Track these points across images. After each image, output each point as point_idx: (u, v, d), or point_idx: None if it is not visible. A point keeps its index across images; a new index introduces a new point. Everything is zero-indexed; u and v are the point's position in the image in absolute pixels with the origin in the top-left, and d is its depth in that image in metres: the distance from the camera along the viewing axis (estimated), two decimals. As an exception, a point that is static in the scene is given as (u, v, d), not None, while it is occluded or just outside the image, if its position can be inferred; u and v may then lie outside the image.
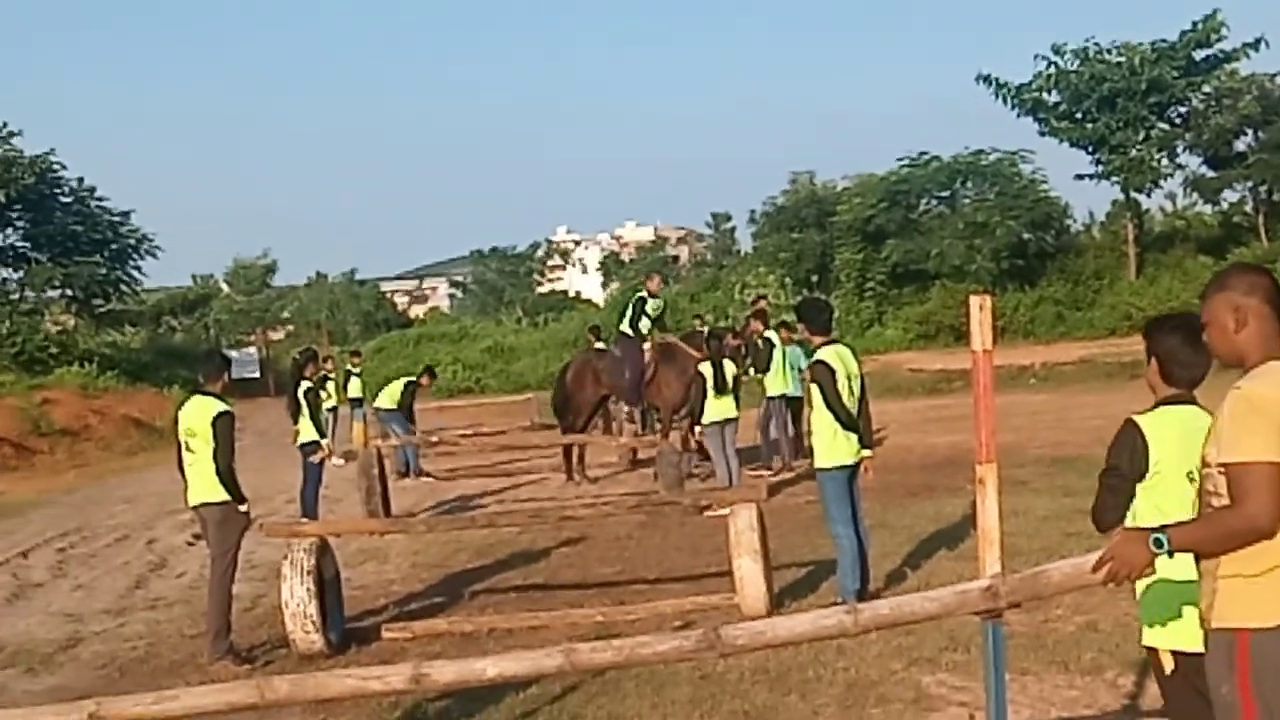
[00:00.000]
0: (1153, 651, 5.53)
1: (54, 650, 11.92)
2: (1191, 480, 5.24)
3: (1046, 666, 8.73)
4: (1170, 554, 4.30)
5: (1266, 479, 4.12)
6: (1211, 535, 4.32)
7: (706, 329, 22.65)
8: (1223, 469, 4.25)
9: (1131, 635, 9.17)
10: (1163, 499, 5.40)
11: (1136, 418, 5.64)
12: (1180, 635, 5.26)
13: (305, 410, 18.69)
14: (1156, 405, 5.68)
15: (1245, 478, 4.15)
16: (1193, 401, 5.61)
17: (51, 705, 5.91)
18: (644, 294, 21.83)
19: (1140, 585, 5.36)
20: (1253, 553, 4.24)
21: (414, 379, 24.98)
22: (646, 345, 21.44)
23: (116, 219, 57.44)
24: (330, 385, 25.05)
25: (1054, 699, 8.14)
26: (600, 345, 24.98)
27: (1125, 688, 8.24)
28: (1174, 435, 5.47)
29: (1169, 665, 5.40)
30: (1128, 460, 5.57)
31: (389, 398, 24.05)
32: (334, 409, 23.55)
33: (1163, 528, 4.33)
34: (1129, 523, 5.44)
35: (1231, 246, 47.11)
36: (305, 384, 19.14)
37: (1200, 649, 4.82)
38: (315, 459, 18.30)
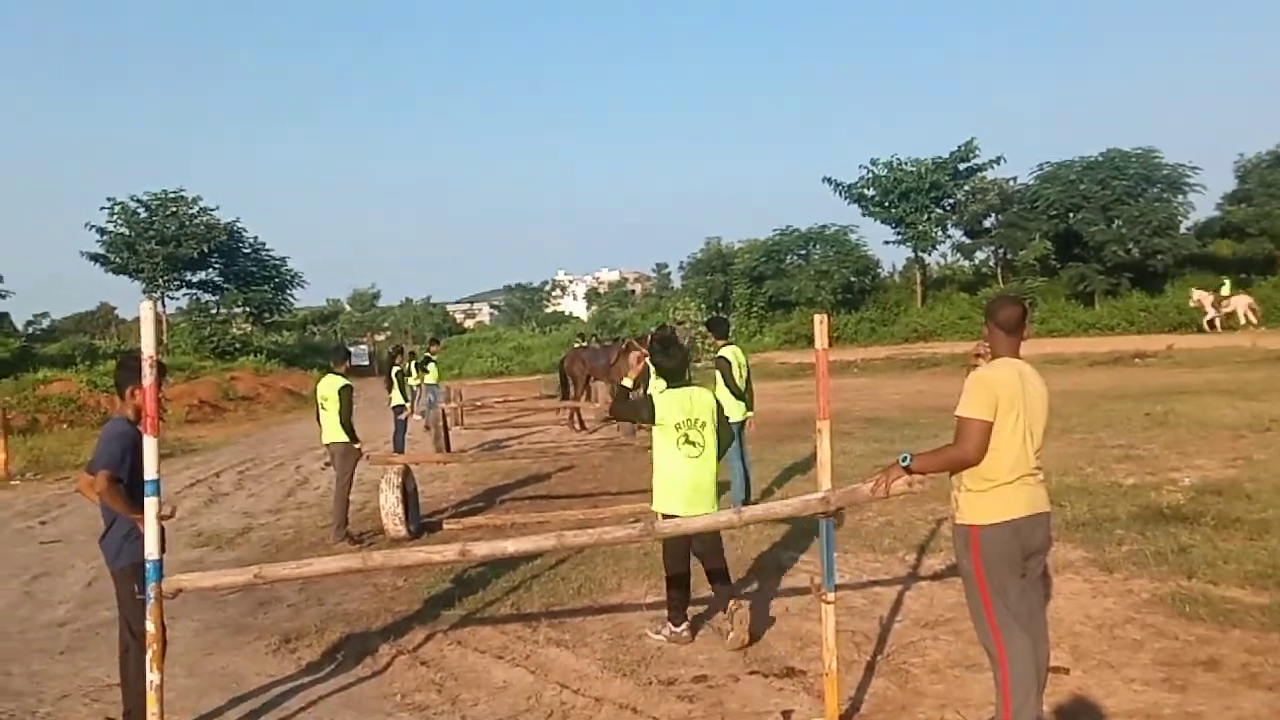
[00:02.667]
0: (653, 513, 6.59)
1: (234, 535, 11.83)
2: (678, 428, 6.54)
3: (860, 548, 8.76)
4: (910, 471, 4.56)
5: (976, 429, 4.39)
6: (939, 460, 4.55)
7: (650, 333, 22.71)
8: (956, 419, 4.47)
9: (914, 529, 9.27)
10: (662, 437, 6.58)
11: (655, 394, 6.81)
12: (665, 505, 6.55)
13: (396, 385, 18.75)
14: (663, 390, 6.79)
15: (964, 427, 4.43)
16: (690, 384, 6.86)
17: (231, 569, 5.88)
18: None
19: (657, 481, 6.67)
20: (978, 476, 4.44)
21: (429, 356, 24.64)
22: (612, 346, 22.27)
23: (278, 262, 57.12)
24: (415, 369, 24.83)
25: (865, 568, 8.16)
26: (584, 344, 25.54)
27: (909, 561, 8.27)
28: (672, 403, 6.58)
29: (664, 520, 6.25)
30: (648, 412, 6.59)
31: (432, 376, 23.94)
32: (418, 385, 23.35)
33: (909, 455, 4.58)
34: (655, 446, 6.69)
35: (980, 287, 47.38)
36: (396, 368, 19.22)
37: (676, 512, 6.38)
38: (402, 416, 18.37)
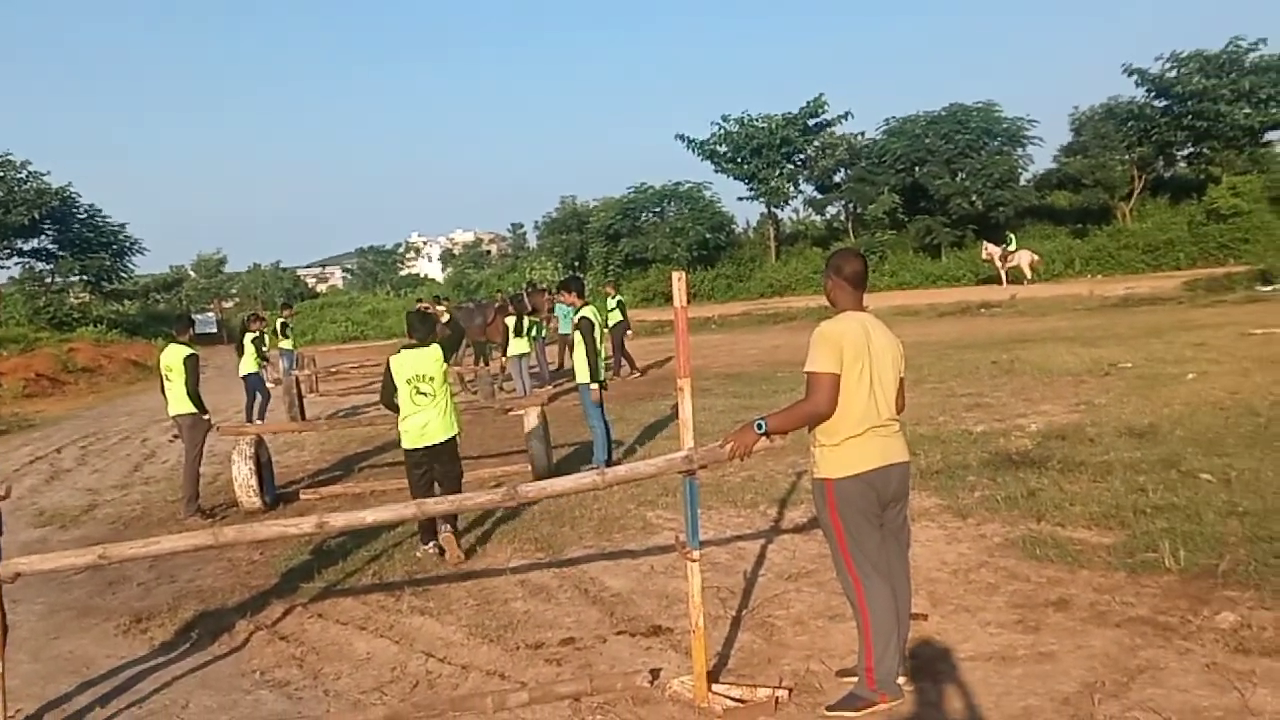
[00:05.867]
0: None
1: (79, 513, 11.37)
2: (409, 383, 7.91)
3: (723, 504, 8.84)
4: (768, 435, 4.52)
5: (825, 382, 4.44)
6: (792, 417, 4.57)
7: (513, 294, 22.51)
8: (806, 374, 4.50)
9: (775, 484, 9.39)
10: (400, 391, 7.99)
11: (391, 356, 8.09)
12: (407, 443, 8.05)
13: (249, 352, 18.17)
14: (399, 352, 8.05)
15: (813, 381, 4.48)
16: (424, 345, 8.05)
17: (75, 549, 5.61)
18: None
19: (400, 425, 8.04)
20: (829, 430, 4.51)
21: (286, 321, 24.03)
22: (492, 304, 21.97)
23: (116, 228, 54.55)
24: (275, 334, 24.18)
25: (728, 524, 8.24)
26: (440, 308, 24.99)
27: (771, 516, 8.37)
28: (404, 363, 7.98)
29: (406, 456, 8.13)
30: (387, 380, 8.11)
31: (288, 342, 23.32)
32: (268, 351, 22.68)
33: (763, 417, 4.55)
34: (398, 396, 8.01)
35: (833, 242, 48.05)
36: (250, 335, 18.61)
37: (414, 445, 7.99)
38: (269, 385, 17.98)
